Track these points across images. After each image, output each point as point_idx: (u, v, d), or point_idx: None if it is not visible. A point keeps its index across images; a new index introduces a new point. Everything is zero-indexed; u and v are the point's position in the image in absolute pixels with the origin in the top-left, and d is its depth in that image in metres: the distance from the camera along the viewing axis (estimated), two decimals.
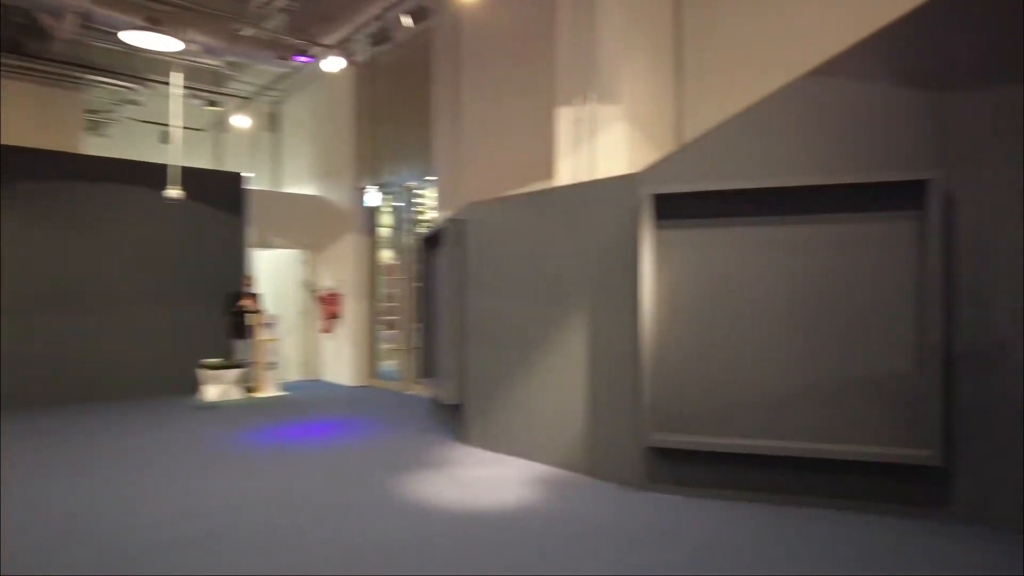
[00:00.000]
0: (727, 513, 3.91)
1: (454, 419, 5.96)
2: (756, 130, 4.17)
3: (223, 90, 10.70)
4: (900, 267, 3.87)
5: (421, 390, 8.32)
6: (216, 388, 8.09)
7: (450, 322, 5.78)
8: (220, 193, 9.24)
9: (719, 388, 4.22)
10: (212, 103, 10.59)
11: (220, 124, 11.56)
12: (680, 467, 4.27)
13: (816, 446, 3.94)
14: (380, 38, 8.19)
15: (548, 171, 6.31)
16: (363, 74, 9.69)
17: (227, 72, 10.04)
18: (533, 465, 4.98)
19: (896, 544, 3.43)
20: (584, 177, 5.66)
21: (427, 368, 7.32)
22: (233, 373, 8.27)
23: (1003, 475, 3.60)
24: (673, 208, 4.30)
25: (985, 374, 3.67)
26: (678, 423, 4.29)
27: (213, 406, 7.81)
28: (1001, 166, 3.64)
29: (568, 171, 5.94)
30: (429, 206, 8.98)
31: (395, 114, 9.43)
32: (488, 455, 5.32)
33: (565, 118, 5.96)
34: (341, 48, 7.98)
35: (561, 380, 4.88)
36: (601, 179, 5.09)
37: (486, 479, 4.66)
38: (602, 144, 5.66)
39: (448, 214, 6.57)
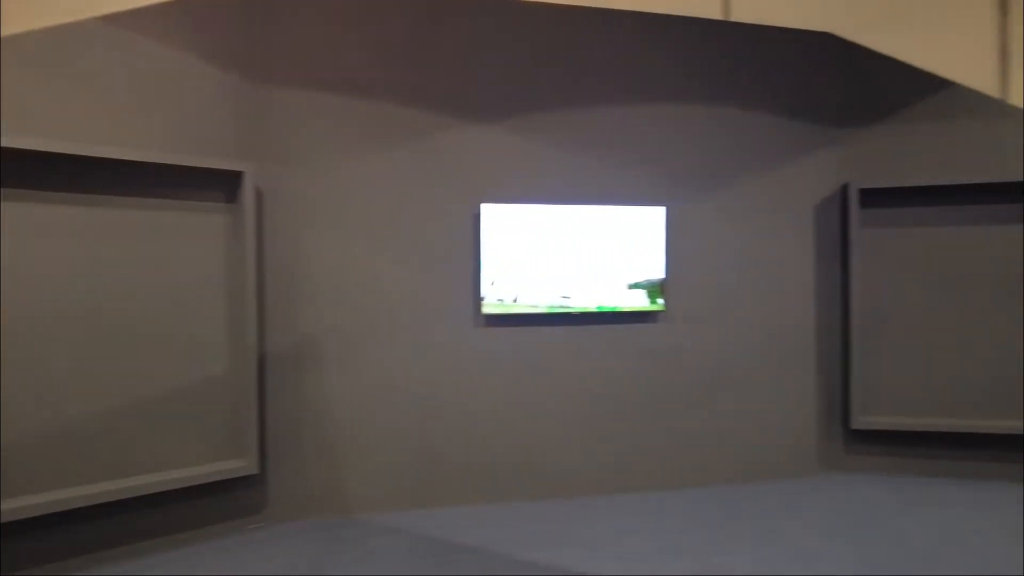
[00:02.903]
0: None
1: None
2: (26, 77, 3.01)
3: None
4: (214, 264, 3.53)
5: None
6: None
7: None
8: None
9: None
10: None
11: None
12: None
13: (124, 484, 3.17)
14: None
15: None
16: None
17: None
18: None
19: (218, 563, 3.10)
20: None
21: None
22: None
23: (310, 471, 3.75)
24: None
25: (294, 373, 3.73)
26: None
27: None
28: (311, 164, 3.75)
29: None
30: None
31: None
32: None
33: None
34: None
35: None
36: None
37: None
38: None
39: None
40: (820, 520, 3.66)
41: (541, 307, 4.06)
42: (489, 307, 3.97)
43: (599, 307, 4.14)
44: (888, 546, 3.29)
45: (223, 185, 3.51)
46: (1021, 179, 4.17)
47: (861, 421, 4.38)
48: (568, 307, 4.10)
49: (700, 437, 4.33)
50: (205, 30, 3.46)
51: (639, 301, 4.19)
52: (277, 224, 3.70)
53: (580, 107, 4.14)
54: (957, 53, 5.66)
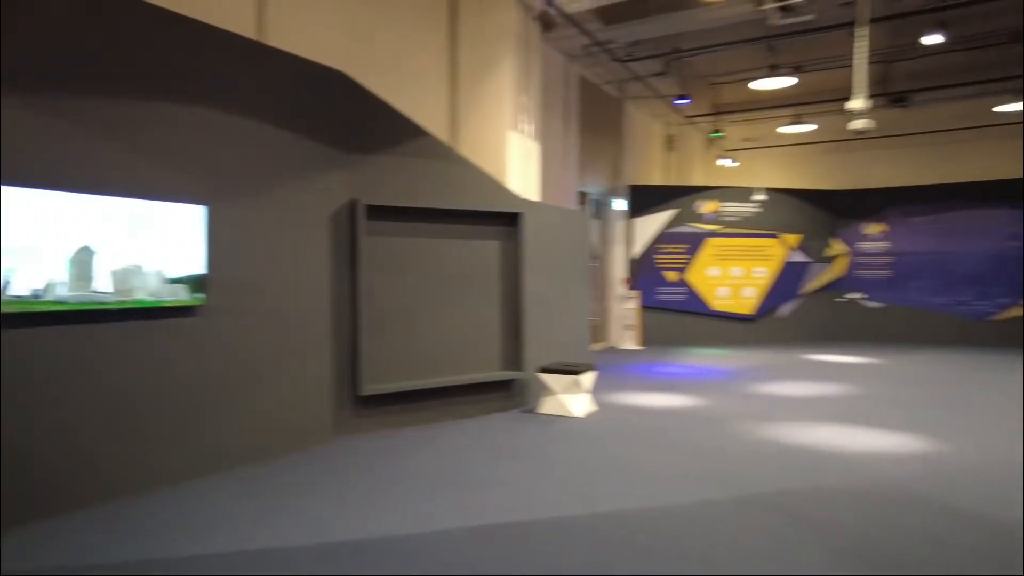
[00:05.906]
0: None
1: None
2: None
3: None
4: None
5: None
6: None
7: None
8: None
9: None
10: None
11: None
12: None
13: None
14: None
15: None
16: None
17: None
18: None
19: None
20: None
21: None
22: None
23: None
24: None
25: None
26: None
27: None
28: None
29: None
30: None
31: None
32: None
33: None
34: None
35: None
36: None
37: None
38: None
39: None
40: (348, 472, 4.60)
41: (71, 303, 3.79)
42: (7, 305, 3.50)
43: (138, 302, 4.11)
44: (401, 479, 4.45)
45: None
46: (481, 208, 6.04)
47: (367, 388, 5.53)
48: (103, 303, 3.94)
49: (241, 419, 4.72)
50: None
51: (179, 295, 4.33)
52: None
53: (127, 101, 4.02)
54: (426, 110, 7.65)
